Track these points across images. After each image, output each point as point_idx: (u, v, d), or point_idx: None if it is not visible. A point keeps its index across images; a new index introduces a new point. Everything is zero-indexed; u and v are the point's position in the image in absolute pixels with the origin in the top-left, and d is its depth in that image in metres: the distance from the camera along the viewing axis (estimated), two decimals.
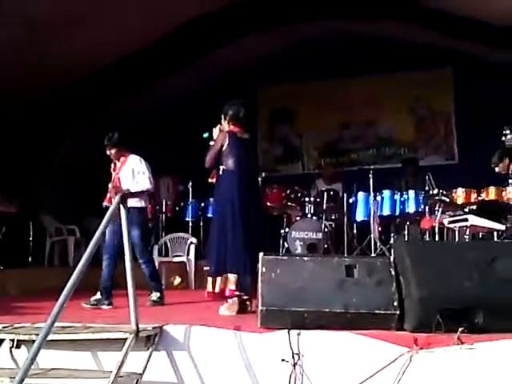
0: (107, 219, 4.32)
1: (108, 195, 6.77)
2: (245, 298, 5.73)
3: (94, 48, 9.37)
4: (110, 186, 6.81)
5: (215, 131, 6.18)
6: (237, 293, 5.75)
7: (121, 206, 4.47)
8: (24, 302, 6.36)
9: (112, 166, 7.06)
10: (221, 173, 6.01)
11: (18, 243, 9.92)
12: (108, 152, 6.98)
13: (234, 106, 6.22)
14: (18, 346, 4.70)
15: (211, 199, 8.71)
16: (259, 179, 9.62)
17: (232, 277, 5.76)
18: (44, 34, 8.64)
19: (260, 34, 10.98)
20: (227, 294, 5.76)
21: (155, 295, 6.75)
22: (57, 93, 10.27)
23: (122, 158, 6.98)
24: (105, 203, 6.77)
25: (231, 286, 5.74)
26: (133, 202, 6.59)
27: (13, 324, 4.93)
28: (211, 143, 6.12)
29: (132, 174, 6.86)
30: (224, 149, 5.98)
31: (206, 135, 6.24)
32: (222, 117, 6.19)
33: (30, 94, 10.06)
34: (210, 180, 6.19)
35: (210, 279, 5.88)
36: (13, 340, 4.69)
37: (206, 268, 6.17)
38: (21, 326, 4.91)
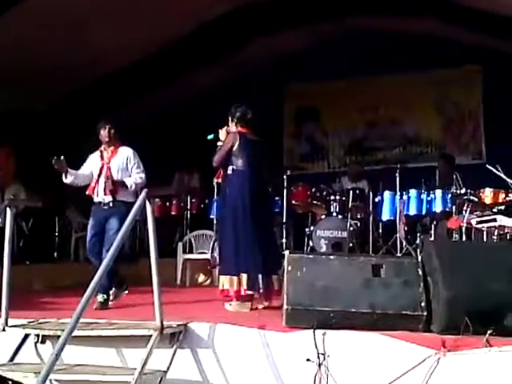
0: (134, 214, 4.30)
1: (93, 185, 6.47)
2: (256, 296, 5.88)
3: (117, 46, 9.40)
4: (95, 175, 6.48)
5: (222, 133, 6.24)
6: (249, 292, 5.83)
7: (147, 201, 4.45)
8: (49, 297, 6.40)
9: (98, 153, 6.62)
10: (230, 172, 6.07)
11: (43, 238, 9.99)
12: (104, 134, 6.54)
13: (242, 108, 6.26)
14: (43, 342, 4.73)
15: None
16: (284, 177, 9.64)
17: (245, 276, 5.83)
18: (68, 33, 8.68)
19: (286, 31, 10.94)
20: (242, 293, 5.83)
21: (102, 297, 6.33)
22: (80, 91, 10.33)
23: (112, 148, 6.59)
24: (89, 192, 6.49)
25: (244, 285, 5.82)
26: (124, 196, 6.44)
27: (38, 319, 4.95)
28: (219, 143, 6.19)
29: (125, 165, 6.53)
30: (234, 149, 6.04)
31: (211, 137, 6.30)
32: (230, 118, 6.24)
33: (55, 93, 10.19)
34: (216, 180, 6.23)
35: (224, 278, 5.95)
36: (38, 335, 4.73)
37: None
38: (46, 321, 4.94)
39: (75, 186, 6.54)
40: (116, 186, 6.40)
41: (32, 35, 8.43)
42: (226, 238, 6.04)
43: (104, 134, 6.54)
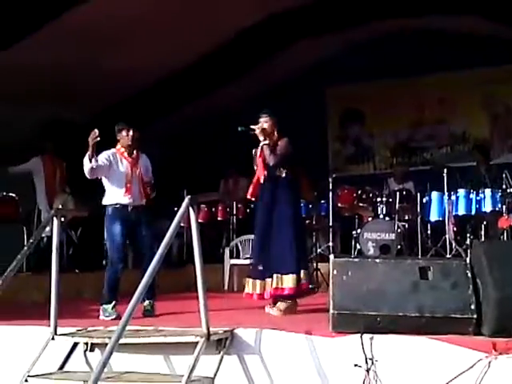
0: (177, 221, 4.30)
1: (128, 186, 6.31)
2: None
3: (152, 60, 9.55)
4: (127, 177, 6.34)
5: (258, 129, 6.19)
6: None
7: (190, 208, 4.45)
8: (98, 305, 6.43)
9: (118, 155, 6.44)
10: (284, 175, 6.12)
11: (92, 247, 10.10)
12: (129, 136, 6.43)
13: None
14: (91, 350, 4.77)
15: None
16: (329, 180, 9.58)
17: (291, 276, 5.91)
18: (103, 51, 8.84)
19: (326, 35, 10.91)
20: (287, 292, 5.90)
21: (148, 304, 6.24)
22: (128, 100, 10.47)
23: (134, 151, 6.51)
24: (125, 195, 6.31)
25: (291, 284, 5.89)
26: (142, 201, 6.43)
27: (87, 327, 5.00)
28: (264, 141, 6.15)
29: (146, 171, 6.54)
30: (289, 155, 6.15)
31: (241, 128, 6.22)
32: (272, 120, 6.22)
33: (98, 106, 10.41)
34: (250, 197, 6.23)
35: (259, 282, 6.03)
36: (87, 343, 4.77)
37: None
38: (95, 329, 4.99)
39: (89, 175, 6.29)
40: (148, 190, 6.46)
41: (69, 53, 8.61)
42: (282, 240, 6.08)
43: (129, 136, 6.44)
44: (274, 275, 5.93)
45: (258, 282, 6.06)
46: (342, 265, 4.46)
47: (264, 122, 6.19)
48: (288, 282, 5.91)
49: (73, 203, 9.55)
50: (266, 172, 6.11)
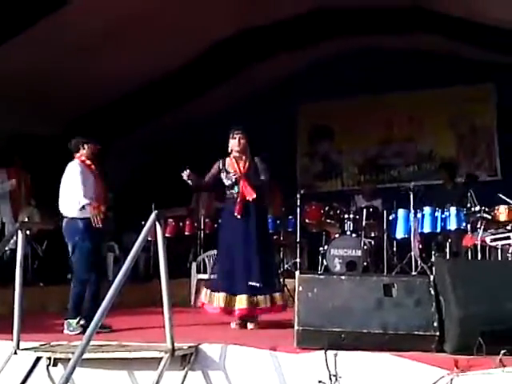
0: (144, 235, 4.29)
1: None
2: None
3: (126, 71, 9.53)
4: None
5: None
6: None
7: (157, 222, 4.44)
8: (62, 319, 6.36)
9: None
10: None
11: (57, 260, 9.99)
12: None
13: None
14: (54, 365, 4.72)
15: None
16: (297, 196, 9.62)
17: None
18: (79, 59, 8.79)
19: (298, 51, 11.00)
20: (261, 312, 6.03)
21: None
22: (96, 112, 10.41)
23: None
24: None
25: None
26: None
27: (50, 342, 4.95)
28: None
29: None
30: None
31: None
32: (246, 137, 6.28)
33: (67, 117, 10.27)
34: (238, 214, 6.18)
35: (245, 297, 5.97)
36: (50, 358, 4.71)
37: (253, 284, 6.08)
38: (58, 344, 4.93)
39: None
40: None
41: (43, 61, 8.52)
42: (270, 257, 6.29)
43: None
44: (258, 296, 5.98)
45: (223, 295, 6.03)
46: (308, 281, 4.49)
47: (241, 139, 6.21)
48: (265, 302, 5.98)
49: (39, 216, 9.45)
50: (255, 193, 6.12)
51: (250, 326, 6.03)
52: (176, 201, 10.56)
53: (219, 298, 6.05)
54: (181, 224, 10.83)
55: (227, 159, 6.31)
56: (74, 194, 6.24)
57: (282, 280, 7.00)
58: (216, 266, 6.51)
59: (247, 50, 10.46)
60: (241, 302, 5.96)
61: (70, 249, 6.30)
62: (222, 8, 8.99)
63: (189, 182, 6.20)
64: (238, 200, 6.13)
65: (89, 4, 7.78)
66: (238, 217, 6.11)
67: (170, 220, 10.46)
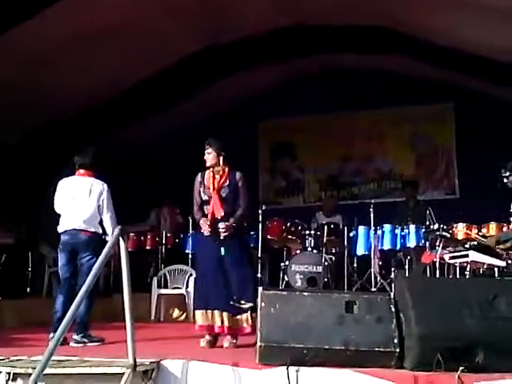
0: (107, 250, 4.28)
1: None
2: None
3: (89, 81, 9.43)
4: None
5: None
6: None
7: (120, 238, 4.44)
8: (21, 333, 6.31)
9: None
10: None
11: (16, 273, 9.86)
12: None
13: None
14: (14, 379, 4.63)
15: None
16: (259, 212, 9.66)
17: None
18: (39, 68, 8.70)
19: (260, 68, 11.05)
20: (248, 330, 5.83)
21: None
22: (56, 124, 10.32)
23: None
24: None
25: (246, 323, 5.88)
26: None
27: (9, 357, 4.88)
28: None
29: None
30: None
31: None
32: (215, 151, 6.14)
33: (26, 127, 10.13)
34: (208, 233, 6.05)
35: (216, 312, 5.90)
36: (9, 373, 4.64)
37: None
38: (17, 358, 4.86)
39: None
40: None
41: (3, 70, 8.43)
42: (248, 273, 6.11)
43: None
44: (242, 315, 5.87)
45: (215, 312, 5.91)
46: (271, 297, 4.51)
47: (207, 154, 6.12)
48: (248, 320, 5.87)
49: None
50: (223, 210, 5.99)
51: (225, 343, 5.89)
52: (134, 216, 10.51)
53: (198, 316, 5.97)
54: (142, 238, 10.77)
55: (207, 172, 6.19)
56: (109, 214, 6.44)
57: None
58: (196, 284, 6.41)
59: (211, 67, 10.49)
60: (213, 318, 5.87)
61: (86, 261, 6.27)
62: (191, 23, 9.01)
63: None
64: (208, 217, 6.02)
65: (56, 14, 7.72)
66: (207, 235, 6.01)
67: (132, 234, 10.41)
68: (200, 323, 5.94)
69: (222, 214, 5.97)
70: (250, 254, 6.37)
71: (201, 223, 6.06)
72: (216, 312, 5.87)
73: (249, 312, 5.84)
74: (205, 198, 6.12)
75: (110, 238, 6.19)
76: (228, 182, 6.10)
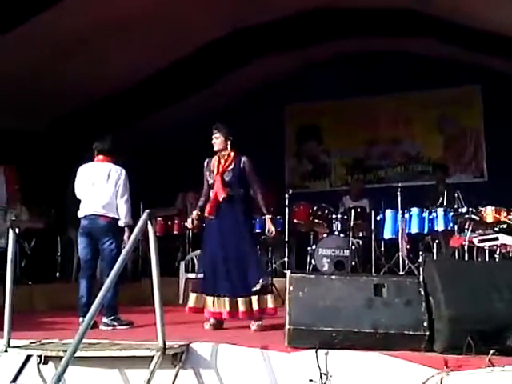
0: (136, 235, 4.30)
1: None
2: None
3: (113, 69, 9.53)
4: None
5: None
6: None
7: (149, 222, 4.45)
8: (52, 317, 6.38)
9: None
10: (241, 193, 6.12)
11: (46, 258, 9.97)
12: None
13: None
14: (45, 363, 4.72)
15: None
16: (286, 196, 9.66)
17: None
18: (65, 57, 8.77)
19: (285, 53, 11.01)
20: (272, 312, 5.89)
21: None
22: (82, 111, 10.39)
23: None
24: None
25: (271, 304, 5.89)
26: None
27: (40, 340, 4.95)
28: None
29: None
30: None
31: None
32: (223, 135, 6.17)
33: (56, 112, 10.24)
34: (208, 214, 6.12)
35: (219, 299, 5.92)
36: (40, 356, 4.71)
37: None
38: (48, 342, 4.92)
39: None
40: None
41: (29, 59, 8.49)
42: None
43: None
44: (254, 296, 5.87)
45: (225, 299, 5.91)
46: (299, 281, 4.51)
47: (215, 138, 6.15)
48: (270, 301, 5.90)
49: (27, 214, 9.43)
50: (225, 193, 6.02)
51: (253, 326, 5.89)
52: (162, 200, 10.55)
53: (206, 301, 5.98)
54: (169, 223, 10.83)
55: (213, 158, 6.24)
56: (124, 199, 6.45)
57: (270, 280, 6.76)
58: (200, 268, 6.41)
59: (235, 52, 10.46)
60: (219, 304, 5.89)
61: (107, 246, 6.37)
62: (215, 7, 8.98)
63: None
64: (211, 199, 6.08)
65: (76, 4, 7.76)
66: (211, 217, 6.07)
67: (159, 219, 10.46)
68: (211, 310, 5.96)
69: (224, 195, 6.00)
70: (254, 235, 6.41)
71: (193, 214, 6.26)
72: (226, 299, 5.87)
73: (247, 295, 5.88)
74: (210, 181, 6.18)
75: (121, 223, 6.34)
76: (233, 165, 6.12)
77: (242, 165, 6.12)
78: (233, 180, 6.08)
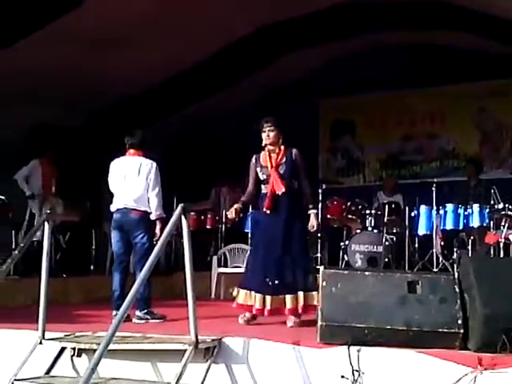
0: (170, 229, 4.31)
1: None
2: None
3: (146, 64, 9.61)
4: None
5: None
6: None
7: (183, 216, 4.46)
8: (85, 310, 6.44)
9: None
10: (296, 187, 6.09)
11: (80, 251, 10.07)
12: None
13: None
14: (79, 355, 4.76)
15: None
16: (319, 191, 9.62)
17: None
18: (100, 54, 8.88)
19: (318, 47, 10.98)
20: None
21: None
22: (117, 106, 10.48)
23: None
24: None
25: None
26: None
27: (74, 332, 5.00)
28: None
29: None
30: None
31: None
32: (276, 129, 6.11)
33: (93, 107, 10.38)
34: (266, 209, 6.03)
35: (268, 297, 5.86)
36: (74, 348, 4.76)
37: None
38: (82, 334, 4.97)
39: None
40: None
41: (68, 54, 8.57)
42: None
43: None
44: (301, 292, 5.83)
45: (266, 297, 5.85)
46: (332, 276, 4.49)
47: (269, 132, 6.07)
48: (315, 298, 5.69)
49: (61, 207, 9.53)
50: (284, 186, 5.95)
51: (289, 323, 5.82)
52: (196, 194, 10.60)
53: (254, 298, 5.89)
54: (202, 217, 10.85)
55: (262, 153, 6.18)
56: (155, 192, 6.45)
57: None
58: (248, 264, 6.38)
59: (267, 46, 10.45)
60: (260, 301, 5.83)
61: (139, 240, 6.39)
62: (241, 5, 9.00)
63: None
64: (268, 194, 6.00)
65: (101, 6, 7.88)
66: (268, 212, 6.00)
67: (192, 213, 10.48)
68: (240, 302, 5.95)
69: (283, 189, 5.94)
70: (306, 231, 6.27)
71: (235, 206, 6.18)
72: (269, 296, 5.82)
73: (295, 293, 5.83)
74: (263, 177, 6.11)
75: (152, 216, 6.37)
76: (285, 159, 6.07)
77: (293, 157, 6.09)
78: (287, 173, 6.04)
